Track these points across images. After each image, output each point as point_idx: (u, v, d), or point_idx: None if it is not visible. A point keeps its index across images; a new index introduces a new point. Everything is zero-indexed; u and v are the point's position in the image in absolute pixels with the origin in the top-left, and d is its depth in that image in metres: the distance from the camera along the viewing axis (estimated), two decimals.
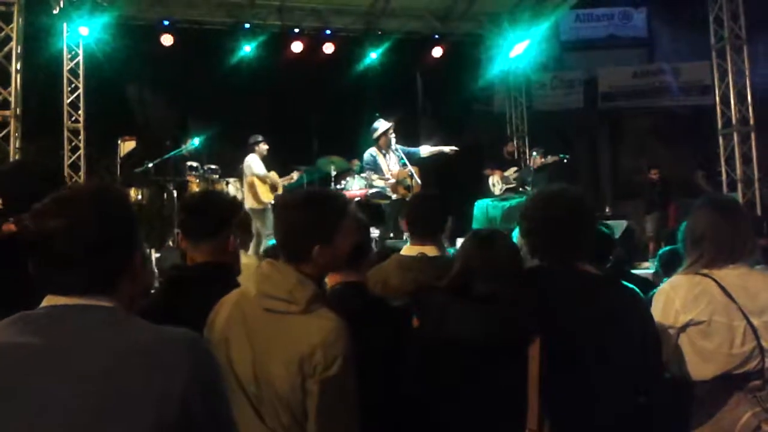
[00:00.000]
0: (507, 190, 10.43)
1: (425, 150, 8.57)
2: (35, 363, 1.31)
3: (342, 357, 1.91)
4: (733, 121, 9.87)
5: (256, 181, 9.13)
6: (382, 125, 8.26)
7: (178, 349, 1.37)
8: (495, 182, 10.69)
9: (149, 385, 1.31)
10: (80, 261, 1.38)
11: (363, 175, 8.56)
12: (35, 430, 1.27)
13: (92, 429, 1.27)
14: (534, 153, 10.57)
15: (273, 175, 9.30)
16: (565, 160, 10.27)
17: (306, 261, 2.03)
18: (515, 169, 10.63)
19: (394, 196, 8.23)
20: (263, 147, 9.36)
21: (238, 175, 9.64)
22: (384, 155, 8.29)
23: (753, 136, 9.82)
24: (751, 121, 9.83)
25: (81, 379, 1.30)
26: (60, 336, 1.34)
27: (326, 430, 1.91)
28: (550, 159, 10.26)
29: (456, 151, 8.61)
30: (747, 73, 9.85)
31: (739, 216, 2.53)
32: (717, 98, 10.12)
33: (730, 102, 9.89)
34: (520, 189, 10.22)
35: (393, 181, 8.19)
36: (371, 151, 8.29)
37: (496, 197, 10.20)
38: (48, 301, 1.40)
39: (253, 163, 9.21)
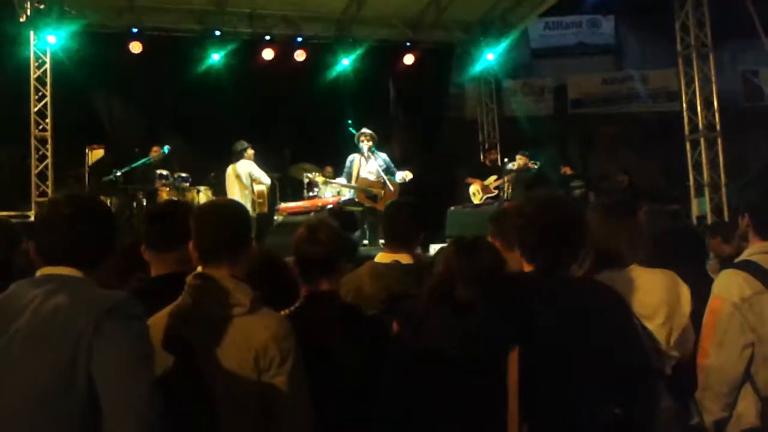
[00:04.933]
0: (487, 198, 10.42)
1: (399, 176, 8.51)
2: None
3: (295, 350, 2.00)
4: (700, 126, 10.02)
5: (265, 189, 9.06)
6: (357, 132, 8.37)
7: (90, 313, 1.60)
8: (475, 191, 10.69)
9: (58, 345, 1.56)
10: None
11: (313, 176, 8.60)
12: None
13: None
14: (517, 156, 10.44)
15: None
16: (536, 165, 10.33)
17: (235, 263, 2.10)
18: (495, 177, 10.61)
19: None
20: (251, 153, 9.20)
21: (209, 183, 9.53)
22: (363, 161, 8.32)
23: (719, 141, 9.98)
24: (718, 127, 10.00)
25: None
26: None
27: (291, 420, 1.98)
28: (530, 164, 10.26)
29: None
30: (713, 79, 10.02)
31: (625, 217, 2.49)
32: (684, 104, 10.28)
33: (696, 108, 10.03)
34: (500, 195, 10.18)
35: (347, 185, 8.23)
36: (352, 156, 8.38)
37: (472, 205, 10.20)
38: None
39: (255, 170, 9.06)
